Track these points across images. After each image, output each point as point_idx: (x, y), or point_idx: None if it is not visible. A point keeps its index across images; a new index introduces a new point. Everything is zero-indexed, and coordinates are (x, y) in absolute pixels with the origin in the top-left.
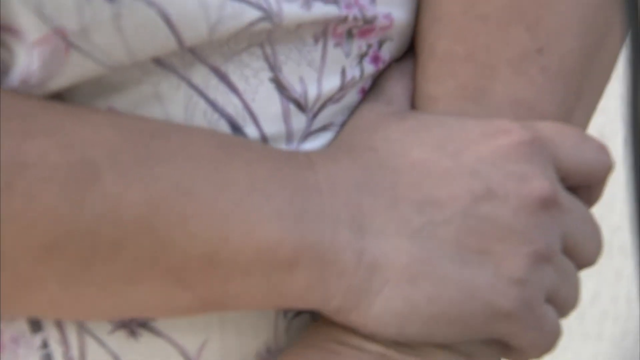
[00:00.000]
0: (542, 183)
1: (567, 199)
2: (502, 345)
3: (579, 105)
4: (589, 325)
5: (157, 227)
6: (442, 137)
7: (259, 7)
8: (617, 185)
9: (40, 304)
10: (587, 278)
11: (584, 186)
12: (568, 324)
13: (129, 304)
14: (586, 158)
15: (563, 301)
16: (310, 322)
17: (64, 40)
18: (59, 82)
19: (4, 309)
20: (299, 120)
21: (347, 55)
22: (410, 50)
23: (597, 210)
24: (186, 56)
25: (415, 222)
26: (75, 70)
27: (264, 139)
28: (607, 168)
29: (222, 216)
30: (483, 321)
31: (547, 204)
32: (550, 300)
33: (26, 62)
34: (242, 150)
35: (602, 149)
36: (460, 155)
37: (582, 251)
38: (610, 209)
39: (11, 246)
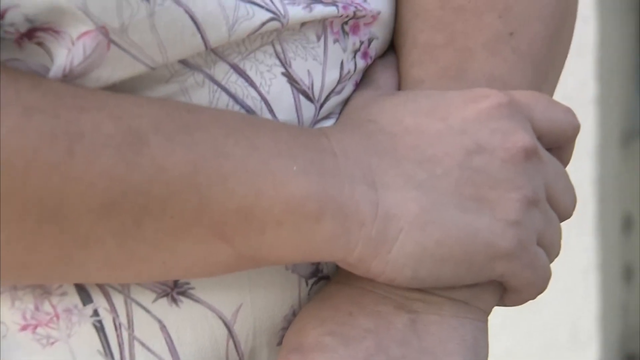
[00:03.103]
0: (523, 136)
1: (545, 153)
2: (498, 291)
3: (544, 85)
4: None
5: (200, 184)
6: (430, 106)
7: (267, 9)
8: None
9: (96, 263)
10: None
11: (556, 148)
12: None
13: (176, 259)
14: (556, 118)
15: (550, 244)
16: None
17: (105, 37)
18: (99, 75)
19: (62, 271)
20: (308, 110)
21: (344, 50)
22: (390, 48)
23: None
24: (209, 56)
25: (419, 177)
26: (113, 65)
27: None
28: (575, 127)
29: (255, 174)
30: (485, 260)
31: (530, 154)
32: (539, 243)
33: (66, 58)
34: (264, 122)
35: (569, 111)
36: (448, 118)
37: (561, 201)
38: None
39: (73, 207)
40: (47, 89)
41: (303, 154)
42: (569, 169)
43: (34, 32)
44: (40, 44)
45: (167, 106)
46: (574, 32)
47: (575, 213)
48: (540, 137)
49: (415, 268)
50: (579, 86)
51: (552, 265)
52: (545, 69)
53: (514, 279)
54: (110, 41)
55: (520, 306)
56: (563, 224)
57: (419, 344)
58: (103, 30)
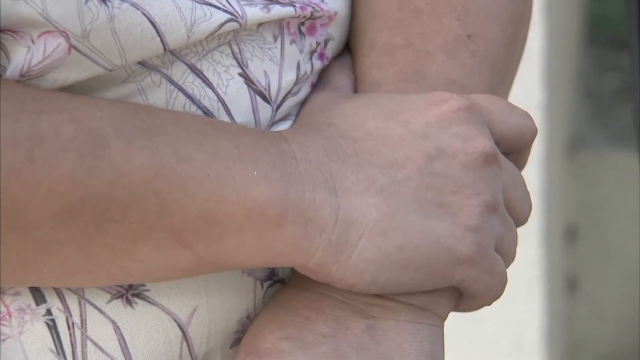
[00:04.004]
0: (483, 141)
1: (503, 158)
2: (454, 296)
3: (501, 88)
4: None
5: (161, 189)
6: (391, 109)
7: (225, 10)
8: None
9: (54, 268)
10: None
11: (512, 153)
12: None
13: (135, 264)
14: (514, 122)
15: (507, 250)
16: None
17: (67, 41)
18: (56, 77)
19: (18, 275)
20: (265, 111)
21: (301, 51)
22: (346, 50)
23: None
24: (166, 56)
25: (380, 182)
26: (72, 68)
27: None
28: (532, 132)
29: (216, 179)
30: (445, 265)
31: (489, 160)
32: (497, 249)
33: (25, 57)
34: (225, 126)
35: (527, 116)
36: (409, 122)
37: (518, 207)
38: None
39: (32, 212)
40: (7, 93)
41: (264, 158)
42: None
43: None
44: None
45: (127, 109)
46: (528, 36)
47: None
48: (498, 142)
49: (375, 274)
50: (524, 93)
51: None
52: (502, 72)
53: (473, 285)
54: (71, 46)
55: (463, 318)
56: None
57: (376, 349)
58: (64, 34)
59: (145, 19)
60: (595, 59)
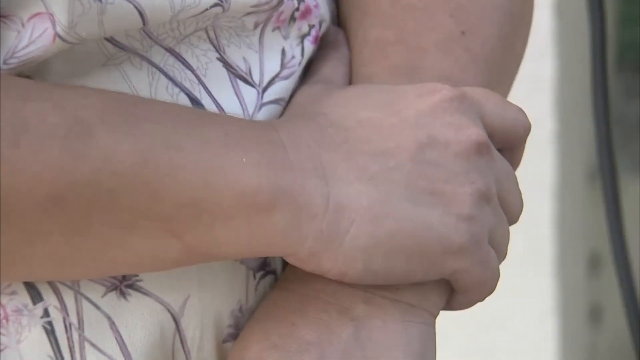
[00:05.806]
0: (476, 130)
1: (496, 152)
2: (445, 292)
3: (498, 88)
4: None
5: (149, 176)
6: (383, 99)
7: None
8: None
9: (43, 260)
10: None
11: (506, 150)
12: None
13: (125, 255)
14: (508, 117)
15: (499, 244)
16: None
17: (52, 27)
18: (38, 61)
19: (7, 269)
20: (249, 94)
21: (286, 37)
22: (344, 46)
23: None
24: (145, 40)
25: (371, 169)
26: (53, 53)
27: (220, 110)
28: (526, 128)
29: (205, 167)
30: (437, 255)
31: (482, 150)
32: (490, 242)
33: (13, 42)
34: (213, 116)
35: (520, 111)
36: (401, 112)
37: (510, 202)
38: None
39: (19, 200)
40: None
41: (253, 147)
42: (525, 209)
43: None
44: None
45: (112, 98)
46: (527, 42)
47: (532, 254)
48: (491, 135)
49: (367, 261)
50: (536, 122)
51: (509, 308)
52: (498, 71)
53: (466, 276)
54: (56, 34)
55: (474, 353)
56: (520, 266)
57: (362, 354)
58: (51, 18)
59: (135, 10)
60: (620, 85)
